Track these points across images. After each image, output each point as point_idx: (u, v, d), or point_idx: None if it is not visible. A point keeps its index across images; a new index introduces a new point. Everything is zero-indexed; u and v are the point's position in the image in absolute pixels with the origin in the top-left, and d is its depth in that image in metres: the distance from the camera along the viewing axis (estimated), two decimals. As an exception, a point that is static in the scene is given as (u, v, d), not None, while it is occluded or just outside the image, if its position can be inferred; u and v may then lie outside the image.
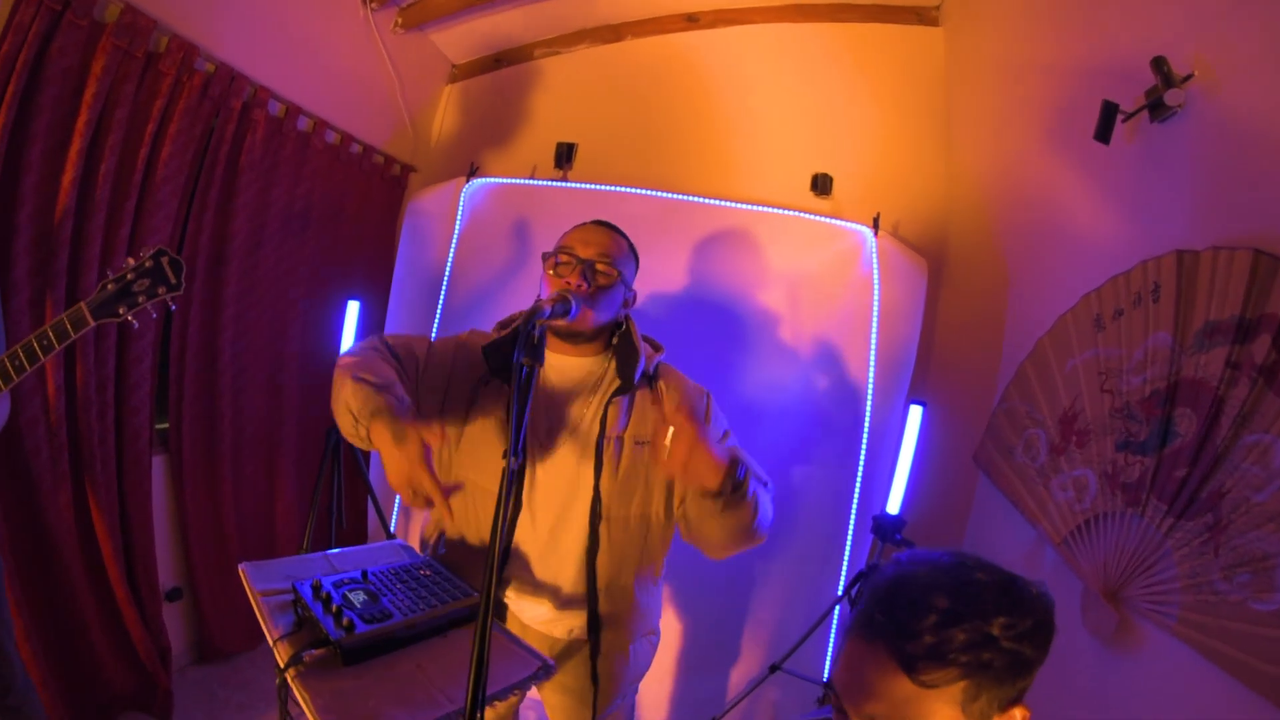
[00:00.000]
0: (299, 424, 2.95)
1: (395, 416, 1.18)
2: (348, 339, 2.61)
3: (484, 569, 0.93)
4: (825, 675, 2.59)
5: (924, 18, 3.07)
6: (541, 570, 1.47)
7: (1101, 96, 2.02)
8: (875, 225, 2.62)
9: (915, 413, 2.38)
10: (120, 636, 2.23)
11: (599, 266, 1.44)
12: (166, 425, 2.51)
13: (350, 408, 1.23)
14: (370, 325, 2.88)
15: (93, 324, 1.45)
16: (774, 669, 2.48)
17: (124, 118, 2.02)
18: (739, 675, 2.67)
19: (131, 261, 1.48)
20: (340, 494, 2.70)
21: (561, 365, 1.50)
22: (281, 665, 1.08)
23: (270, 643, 1.14)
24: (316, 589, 1.19)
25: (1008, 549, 2.41)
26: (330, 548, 2.69)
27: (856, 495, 2.58)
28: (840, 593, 2.49)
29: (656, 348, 1.60)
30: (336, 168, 2.87)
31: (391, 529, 2.80)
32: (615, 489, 1.43)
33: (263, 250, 2.62)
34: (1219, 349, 1.75)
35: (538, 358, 1.12)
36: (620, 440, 1.45)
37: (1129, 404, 2.02)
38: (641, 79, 3.22)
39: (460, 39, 3.24)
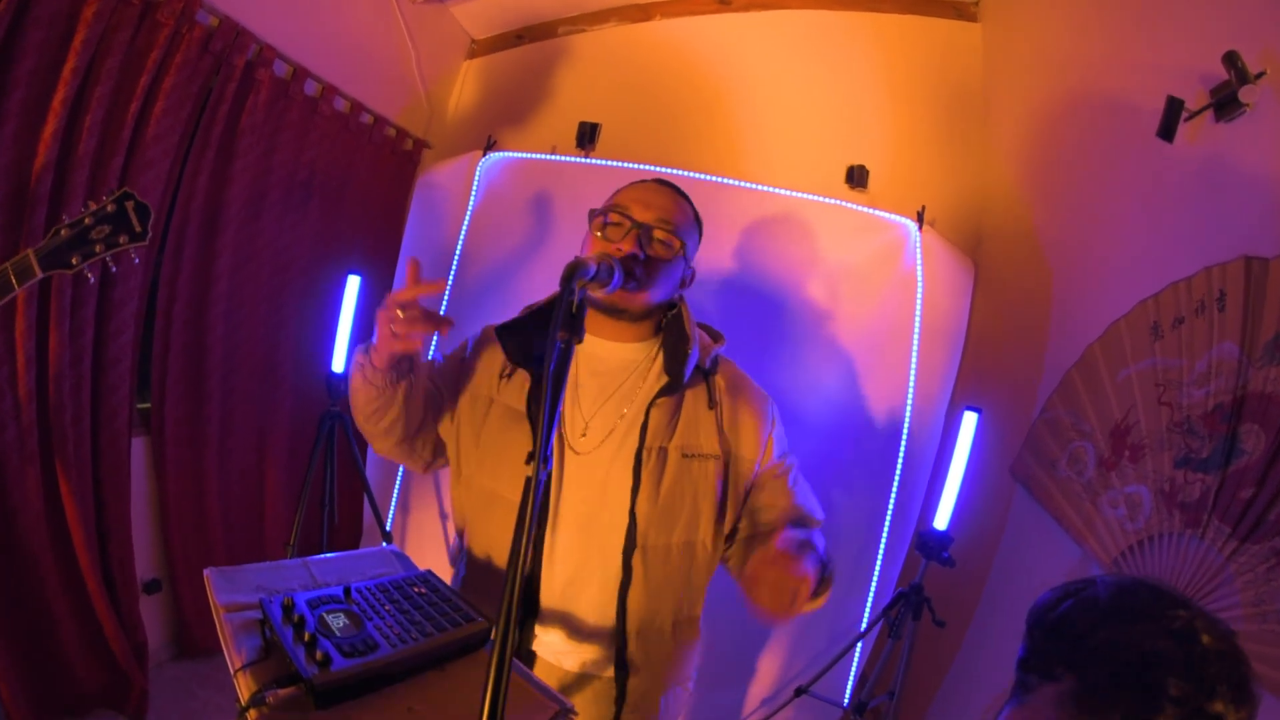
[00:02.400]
0: (293, 408, 2.77)
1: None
2: (347, 316, 2.44)
3: (502, 596, 0.72)
4: (846, 699, 2.45)
5: (963, 13, 2.98)
6: (560, 596, 1.24)
7: (1151, 95, 1.95)
8: (920, 219, 2.46)
9: (969, 420, 2.22)
10: (92, 630, 2.05)
11: (658, 234, 1.19)
12: (148, 405, 2.32)
13: (362, 371, 1.18)
14: (372, 298, 2.70)
15: (40, 275, 1.27)
16: (800, 692, 2.33)
17: (115, 68, 1.84)
18: (757, 690, 2.51)
19: (92, 205, 1.30)
20: (333, 486, 2.53)
21: (600, 351, 1.27)
22: (241, 704, 0.88)
23: (231, 671, 0.94)
24: (288, 609, 0.99)
25: (1048, 567, 2.26)
26: (321, 544, 2.59)
27: (891, 507, 2.42)
28: (876, 615, 2.33)
29: (715, 337, 1.35)
30: (345, 137, 2.69)
31: (387, 527, 2.63)
32: (656, 513, 1.19)
33: (261, 220, 2.45)
34: (1292, 362, 1.63)
35: (577, 332, 0.90)
36: (664, 452, 1.20)
37: (1190, 418, 1.88)
38: (670, 61, 3.06)
39: (481, 13, 3.08)
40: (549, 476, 1.22)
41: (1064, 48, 2.55)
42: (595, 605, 1.22)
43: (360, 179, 2.82)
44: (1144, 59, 2.14)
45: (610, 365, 1.26)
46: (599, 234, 1.21)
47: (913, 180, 2.89)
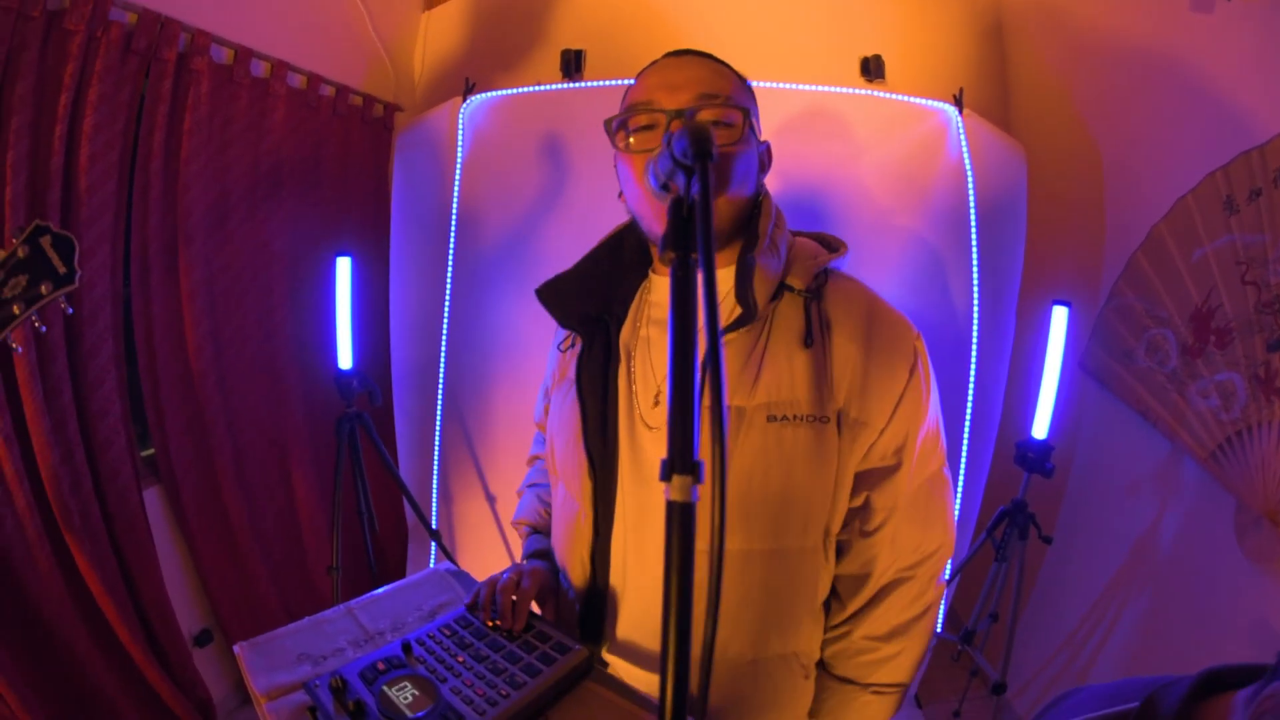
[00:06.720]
0: (308, 416, 2.55)
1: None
2: (344, 302, 2.22)
3: (663, 652, 0.47)
4: (939, 627, 2.38)
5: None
6: (632, 616, 0.98)
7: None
8: (959, 103, 2.20)
9: (1060, 315, 2.05)
10: (149, 701, 1.92)
11: (707, 115, 0.87)
12: (152, 451, 2.12)
13: None
14: (371, 283, 2.51)
15: None
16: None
17: (28, 93, 1.55)
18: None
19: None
20: (366, 493, 2.37)
21: (664, 294, 0.99)
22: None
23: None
24: (339, 692, 0.78)
25: (1135, 464, 2.15)
26: (367, 556, 2.43)
27: (969, 420, 2.24)
28: (979, 537, 2.22)
29: (830, 246, 1.01)
30: (307, 115, 2.37)
31: (434, 524, 2.49)
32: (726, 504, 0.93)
33: (230, 223, 2.17)
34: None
35: (690, 245, 0.59)
36: (741, 414, 0.88)
37: (1280, 297, 1.73)
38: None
39: (430, -41, 2.70)
40: (612, 465, 0.97)
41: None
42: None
43: (332, 156, 2.51)
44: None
45: None
46: (627, 145, 0.90)
47: (931, 67, 2.62)
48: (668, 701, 0.46)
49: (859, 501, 0.95)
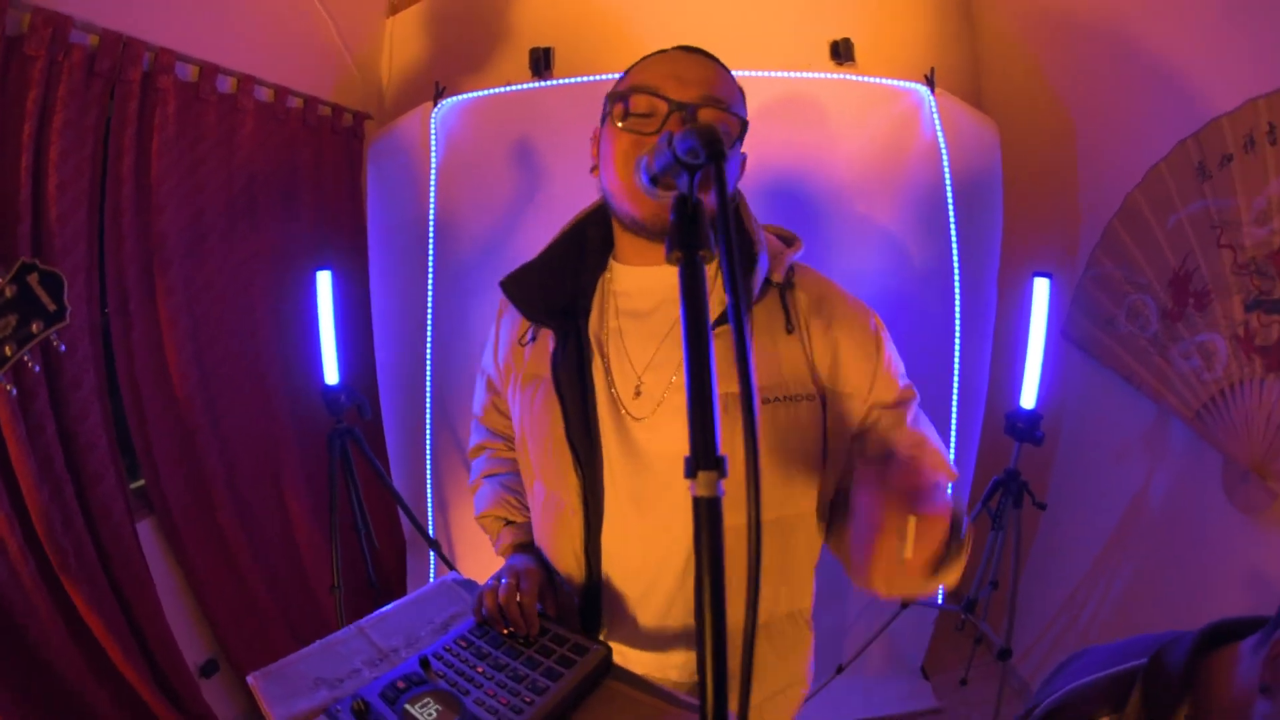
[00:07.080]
0: (298, 432, 2.51)
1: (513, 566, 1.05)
2: (326, 316, 2.19)
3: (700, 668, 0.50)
4: (940, 599, 2.43)
5: None
6: (626, 600, 1.01)
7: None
8: (930, 82, 2.22)
9: (1041, 287, 2.09)
10: (159, 738, 1.88)
11: (707, 116, 0.89)
12: (143, 482, 2.07)
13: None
14: (352, 295, 2.48)
15: None
16: (906, 604, 2.29)
17: (-11, 125, 1.50)
18: (853, 606, 2.46)
19: None
20: (362, 508, 2.34)
21: (638, 284, 1.00)
22: None
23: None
24: (361, 714, 0.77)
25: (1123, 427, 2.21)
26: (367, 572, 2.40)
27: (955, 393, 2.29)
28: (974, 507, 2.26)
29: (788, 240, 1.04)
30: (276, 128, 2.31)
31: (431, 532, 2.46)
32: (734, 484, 0.96)
33: (207, 243, 2.12)
34: (1360, 192, 1.53)
35: (704, 242, 0.59)
36: (738, 399, 0.96)
37: (1255, 259, 1.78)
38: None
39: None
40: (601, 458, 0.98)
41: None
42: (669, 608, 0.99)
43: (305, 167, 2.46)
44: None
45: (655, 298, 0.99)
46: (621, 124, 0.90)
47: (900, 48, 2.64)
48: (709, 701, 0.48)
49: (878, 450, 0.98)
